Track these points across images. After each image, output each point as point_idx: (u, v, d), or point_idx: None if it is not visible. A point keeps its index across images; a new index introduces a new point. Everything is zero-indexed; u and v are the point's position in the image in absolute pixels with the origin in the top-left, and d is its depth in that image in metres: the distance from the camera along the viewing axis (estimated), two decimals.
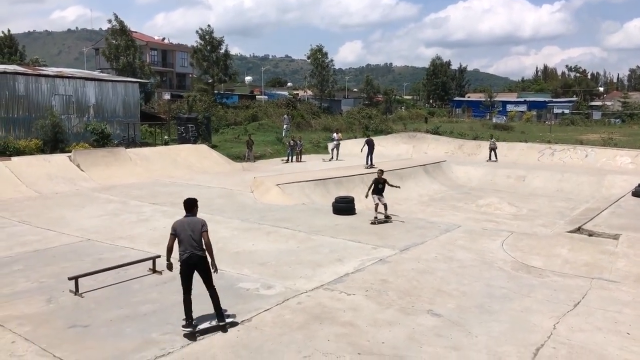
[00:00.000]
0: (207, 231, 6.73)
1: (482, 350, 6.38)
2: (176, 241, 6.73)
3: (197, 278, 6.74)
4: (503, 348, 6.44)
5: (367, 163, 24.27)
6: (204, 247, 6.68)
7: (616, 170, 24.09)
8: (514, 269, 9.72)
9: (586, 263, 10.12)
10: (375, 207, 13.87)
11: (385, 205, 13.88)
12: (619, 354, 6.37)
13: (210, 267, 6.76)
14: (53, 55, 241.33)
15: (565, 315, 7.51)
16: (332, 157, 28.66)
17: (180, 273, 6.78)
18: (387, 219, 13.70)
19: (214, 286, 6.79)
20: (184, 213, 6.91)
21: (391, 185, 14.22)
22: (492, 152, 28.25)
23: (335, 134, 30.00)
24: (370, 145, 24.93)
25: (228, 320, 6.93)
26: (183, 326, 6.64)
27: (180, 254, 6.71)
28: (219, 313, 6.82)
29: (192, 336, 6.54)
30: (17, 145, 21.95)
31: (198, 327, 6.68)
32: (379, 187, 14.01)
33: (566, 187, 22.23)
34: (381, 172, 14.36)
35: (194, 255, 6.62)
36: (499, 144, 30.10)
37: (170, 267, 6.93)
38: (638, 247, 11.09)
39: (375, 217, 13.63)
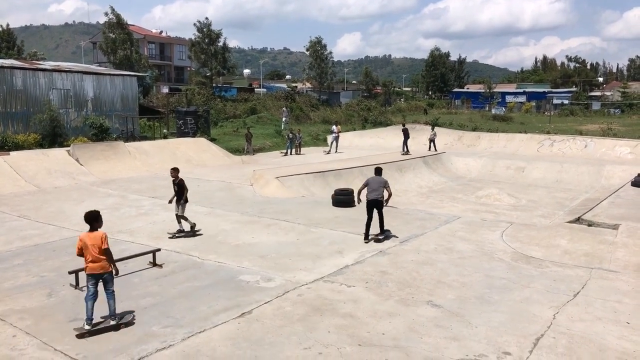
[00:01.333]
0: (389, 186, 10.86)
1: (482, 340, 6.40)
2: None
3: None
4: (503, 338, 6.46)
5: (403, 150, 26.48)
6: (385, 195, 10.81)
7: (615, 161, 24.08)
8: (513, 259, 9.74)
9: (586, 253, 10.14)
10: (176, 218, 10.99)
11: (181, 218, 10.90)
12: (618, 343, 6.39)
13: (384, 204, 10.85)
14: (50, 49, 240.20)
15: (565, 305, 7.53)
16: (331, 150, 28.67)
17: (367, 207, 10.75)
18: (192, 229, 11.05)
19: (382, 213, 10.86)
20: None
21: (179, 198, 10.81)
22: (432, 143, 28.14)
23: (334, 127, 29.97)
24: (405, 134, 27.12)
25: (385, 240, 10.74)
26: (366, 236, 10.70)
27: (366, 196, 10.78)
28: (382, 231, 10.89)
29: (368, 242, 10.58)
30: (15, 139, 21.91)
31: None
32: (174, 189, 10.93)
33: (565, 178, 22.24)
34: (174, 170, 10.95)
35: (376, 199, 10.68)
36: (501, 135, 30.10)
37: (358, 202, 11.66)
38: (637, 236, 11.09)
39: (179, 230, 10.93)
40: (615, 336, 6.59)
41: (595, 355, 6.08)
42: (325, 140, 32.96)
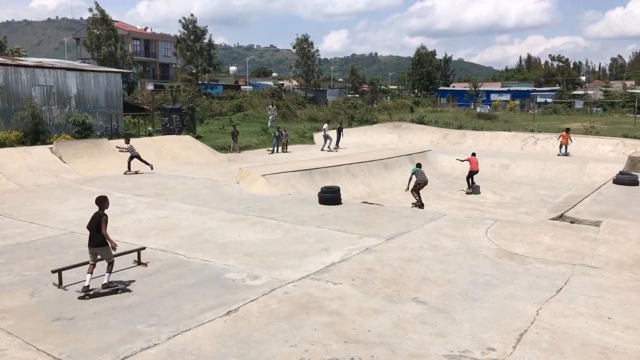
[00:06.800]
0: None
1: (467, 336, 6.46)
2: None
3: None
4: (487, 334, 6.52)
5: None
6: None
7: (597, 159, 24.44)
8: (497, 256, 9.83)
9: (568, 250, 10.27)
10: None
11: None
12: (600, 338, 6.50)
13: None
14: (33, 45, 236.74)
15: (548, 301, 7.63)
16: (329, 147, 28.95)
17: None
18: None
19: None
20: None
21: None
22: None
23: (325, 125, 30.25)
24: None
25: None
26: None
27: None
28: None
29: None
30: None
31: None
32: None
33: (549, 175, 22.52)
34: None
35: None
36: (486, 133, 30.35)
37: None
38: (619, 233, 11.27)
39: None
40: (597, 331, 6.69)
41: (578, 350, 6.18)
42: (312, 138, 33.07)
